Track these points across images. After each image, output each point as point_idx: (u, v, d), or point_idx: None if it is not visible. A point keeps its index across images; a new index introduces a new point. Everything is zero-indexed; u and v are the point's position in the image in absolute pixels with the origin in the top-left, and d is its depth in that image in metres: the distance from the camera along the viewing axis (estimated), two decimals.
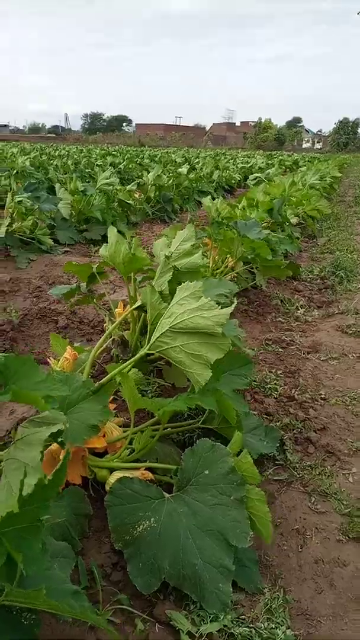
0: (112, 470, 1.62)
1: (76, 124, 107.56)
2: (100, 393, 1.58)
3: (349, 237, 6.66)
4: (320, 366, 2.90)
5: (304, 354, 3.04)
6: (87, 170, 9.84)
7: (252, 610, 1.42)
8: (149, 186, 7.41)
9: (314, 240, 6.66)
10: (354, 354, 3.03)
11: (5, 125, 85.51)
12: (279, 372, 2.77)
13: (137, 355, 1.65)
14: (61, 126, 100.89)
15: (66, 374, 1.61)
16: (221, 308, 1.57)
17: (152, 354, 1.62)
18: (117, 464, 1.63)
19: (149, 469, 1.64)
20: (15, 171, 7.77)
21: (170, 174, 8.64)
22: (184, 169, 9.03)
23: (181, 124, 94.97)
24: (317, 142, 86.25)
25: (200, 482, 1.48)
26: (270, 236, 4.41)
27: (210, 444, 1.51)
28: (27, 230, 4.74)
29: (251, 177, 9.86)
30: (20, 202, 4.51)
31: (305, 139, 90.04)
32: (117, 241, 2.23)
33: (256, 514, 1.52)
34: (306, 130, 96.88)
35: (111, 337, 2.16)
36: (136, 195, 7.15)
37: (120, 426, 1.92)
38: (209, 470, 1.48)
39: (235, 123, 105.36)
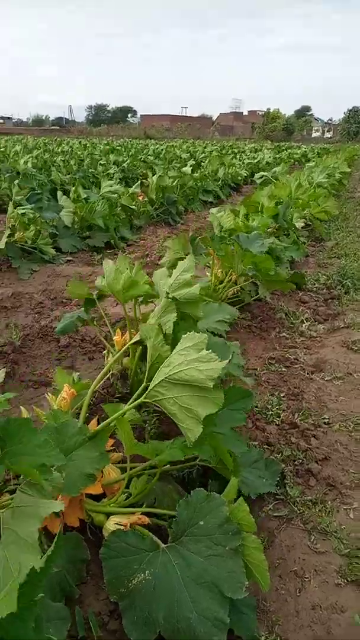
0: (109, 514, 1.61)
1: (80, 116, 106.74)
2: (96, 439, 1.57)
3: (358, 240, 6.55)
4: (324, 387, 2.87)
5: (308, 373, 3.01)
6: (90, 171, 9.78)
7: None
8: (153, 188, 7.35)
9: (321, 243, 6.55)
10: (359, 373, 2.99)
11: (9, 118, 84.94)
12: (281, 394, 2.74)
13: (130, 405, 1.63)
14: (65, 118, 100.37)
15: (62, 420, 1.59)
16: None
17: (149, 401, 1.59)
18: (113, 508, 1.63)
19: (146, 513, 1.63)
20: (17, 173, 7.76)
21: (174, 173, 8.53)
22: (188, 169, 8.92)
23: (187, 115, 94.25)
24: (327, 132, 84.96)
25: (195, 532, 1.47)
26: (275, 244, 4.36)
27: (204, 494, 1.49)
28: (29, 240, 4.71)
29: (257, 175, 9.76)
30: (23, 214, 4.49)
31: (315, 128, 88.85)
32: (116, 269, 2.22)
33: (252, 561, 1.51)
34: (316, 119, 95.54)
35: (110, 371, 2.15)
36: (139, 199, 7.10)
37: (119, 462, 1.91)
38: (203, 521, 1.46)
39: (242, 112, 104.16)
